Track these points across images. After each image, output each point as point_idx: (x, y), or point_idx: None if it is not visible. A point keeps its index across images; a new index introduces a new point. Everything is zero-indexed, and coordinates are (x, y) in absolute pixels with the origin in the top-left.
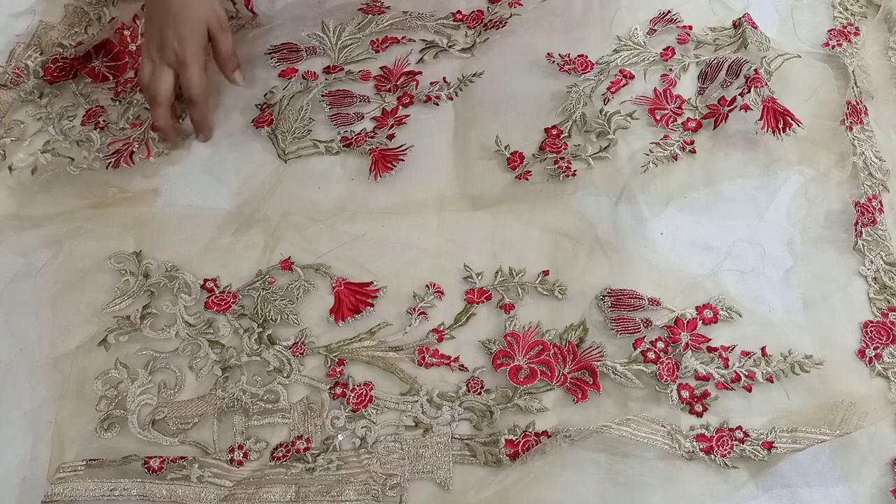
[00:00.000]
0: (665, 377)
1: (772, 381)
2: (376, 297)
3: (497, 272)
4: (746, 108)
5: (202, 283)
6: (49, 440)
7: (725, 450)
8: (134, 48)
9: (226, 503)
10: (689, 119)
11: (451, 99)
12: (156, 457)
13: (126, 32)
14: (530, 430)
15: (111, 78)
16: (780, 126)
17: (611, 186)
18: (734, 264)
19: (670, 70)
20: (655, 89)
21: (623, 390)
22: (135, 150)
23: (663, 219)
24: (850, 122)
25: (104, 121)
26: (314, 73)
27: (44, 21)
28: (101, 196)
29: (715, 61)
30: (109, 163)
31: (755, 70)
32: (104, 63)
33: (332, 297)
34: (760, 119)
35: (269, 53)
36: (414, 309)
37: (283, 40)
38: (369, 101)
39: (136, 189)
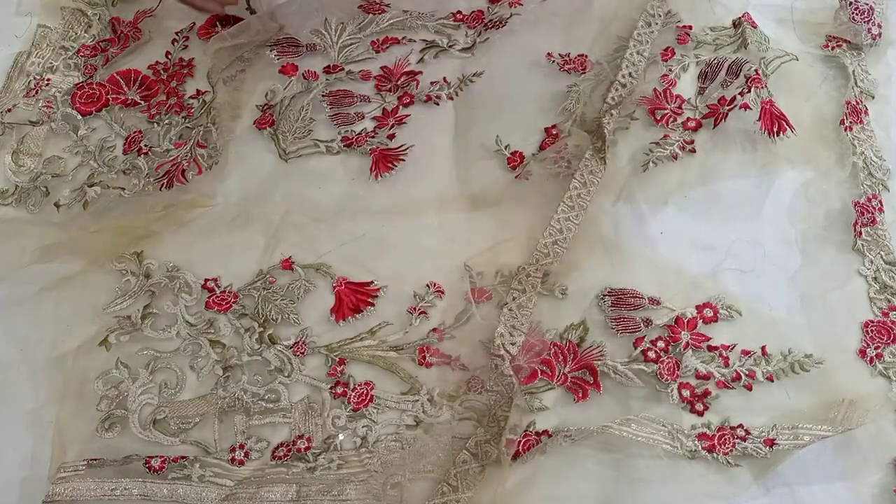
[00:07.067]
0: (666, 376)
1: (772, 380)
2: (377, 296)
3: (497, 272)
4: (746, 107)
5: (203, 282)
6: (50, 440)
7: (727, 448)
8: (166, 76)
9: (227, 503)
10: (688, 119)
11: (452, 99)
12: (157, 456)
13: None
14: (531, 429)
15: (143, 102)
16: (776, 130)
17: (611, 186)
18: (734, 263)
19: (670, 70)
20: (655, 89)
21: (624, 389)
22: (185, 167)
23: (663, 218)
24: (850, 122)
25: (146, 146)
26: (315, 73)
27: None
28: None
29: (715, 61)
30: (162, 184)
31: (755, 70)
32: (137, 92)
33: (333, 296)
34: (759, 119)
35: (270, 47)
36: (414, 308)
37: (285, 35)
38: (370, 101)
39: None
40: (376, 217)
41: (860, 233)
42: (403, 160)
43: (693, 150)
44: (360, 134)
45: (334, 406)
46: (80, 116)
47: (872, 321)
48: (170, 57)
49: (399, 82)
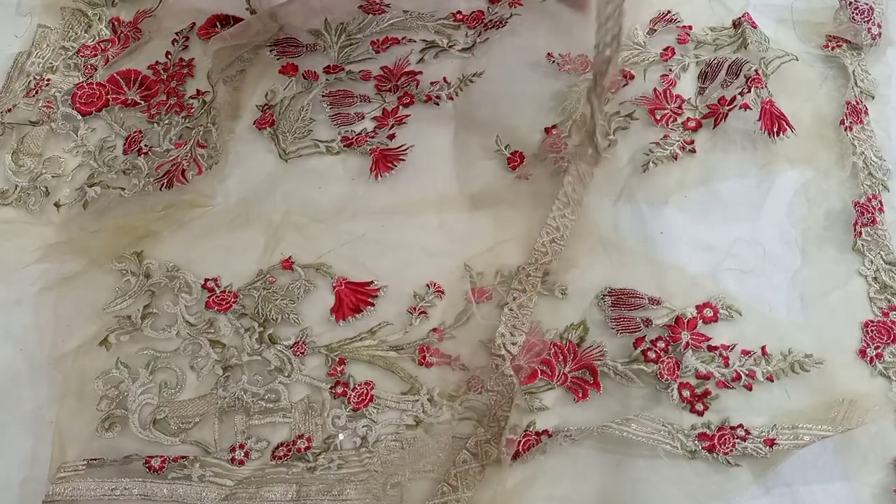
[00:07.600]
0: (666, 376)
1: (772, 380)
2: (377, 296)
3: (497, 272)
4: (746, 107)
5: (203, 282)
6: (50, 440)
7: (727, 448)
8: (166, 76)
9: (227, 502)
10: (688, 119)
11: (452, 99)
12: (157, 456)
13: (159, 67)
14: (531, 429)
15: (143, 102)
16: (776, 130)
17: (611, 186)
18: (734, 263)
19: (670, 70)
20: (655, 89)
21: (624, 389)
22: (185, 167)
23: (663, 218)
24: (850, 122)
25: (146, 145)
26: (315, 73)
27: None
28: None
29: (715, 61)
30: (162, 184)
31: (755, 70)
32: (137, 92)
33: (333, 296)
34: (759, 119)
35: (270, 47)
36: (414, 308)
37: (285, 35)
38: (370, 101)
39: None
40: (376, 217)
41: (860, 233)
42: (403, 160)
43: (693, 150)
44: (360, 134)
45: (334, 406)
46: (80, 116)
47: (872, 321)
48: (170, 57)
49: (399, 82)
